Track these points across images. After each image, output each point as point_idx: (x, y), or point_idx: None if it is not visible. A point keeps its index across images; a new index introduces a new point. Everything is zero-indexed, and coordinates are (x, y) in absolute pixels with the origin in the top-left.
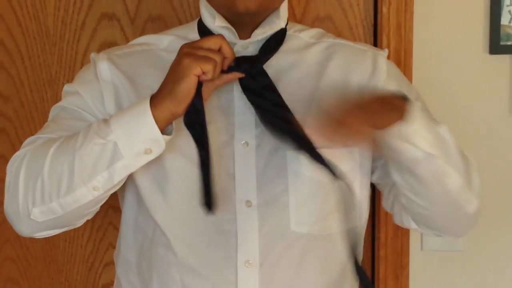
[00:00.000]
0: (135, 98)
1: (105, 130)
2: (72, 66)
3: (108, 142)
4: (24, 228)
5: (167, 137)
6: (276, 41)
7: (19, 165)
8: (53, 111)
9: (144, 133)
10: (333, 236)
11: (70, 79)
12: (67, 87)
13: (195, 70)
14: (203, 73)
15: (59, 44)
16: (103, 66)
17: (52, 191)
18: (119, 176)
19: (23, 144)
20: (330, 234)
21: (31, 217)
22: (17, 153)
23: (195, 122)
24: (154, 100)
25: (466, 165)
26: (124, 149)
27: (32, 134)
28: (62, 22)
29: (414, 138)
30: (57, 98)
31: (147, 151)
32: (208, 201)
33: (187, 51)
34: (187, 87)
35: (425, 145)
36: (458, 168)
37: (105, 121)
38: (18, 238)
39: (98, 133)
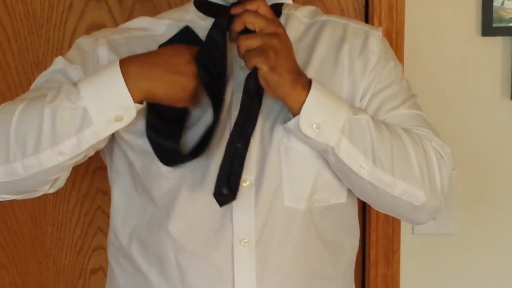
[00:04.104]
0: None
1: (75, 95)
2: (60, 48)
3: (78, 108)
4: None
5: (139, 106)
6: (275, 13)
7: None
8: (40, 78)
9: (115, 100)
10: (328, 208)
11: None
12: (60, 59)
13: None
14: None
15: (46, 26)
16: (103, 52)
17: (17, 150)
18: (88, 143)
19: None
20: (325, 207)
21: None
22: None
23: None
24: (137, 73)
25: (406, 157)
26: (95, 116)
27: None
28: (49, 4)
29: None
30: None
31: (118, 118)
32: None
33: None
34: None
35: (312, 133)
36: (384, 163)
37: (75, 84)
38: (6, 222)
39: (69, 97)
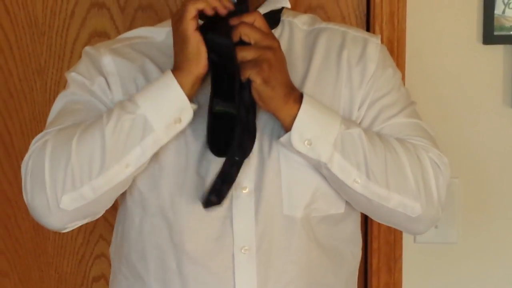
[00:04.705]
0: (143, 81)
1: (131, 107)
2: (62, 55)
3: (137, 116)
4: (53, 221)
5: (194, 106)
6: (273, 20)
7: (40, 155)
8: (61, 99)
9: (172, 102)
10: (326, 218)
11: (59, 69)
12: (75, 75)
13: (190, 15)
14: (201, 10)
15: (48, 33)
16: (107, 60)
17: (83, 174)
18: (151, 151)
19: (34, 141)
20: (323, 217)
21: (61, 206)
22: (32, 148)
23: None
24: (175, 71)
25: (400, 170)
26: (155, 121)
27: (20, 125)
28: (51, 11)
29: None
30: (46, 87)
31: (177, 120)
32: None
33: (176, 17)
34: (194, 43)
35: (304, 149)
36: (378, 176)
37: (129, 99)
38: (7, 229)
39: (126, 110)
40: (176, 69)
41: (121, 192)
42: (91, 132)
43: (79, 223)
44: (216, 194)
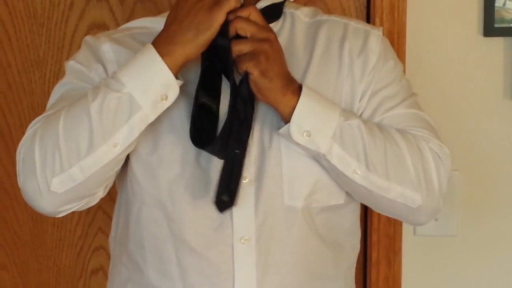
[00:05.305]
0: None
1: (116, 85)
2: (61, 47)
3: (123, 95)
4: (45, 205)
5: (180, 82)
6: (275, 12)
7: (32, 141)
8: (59, 88)
9: (157, 79)
10: (326, 209)
11: (58, 60)
12: (73, 64)
13: (227, 7)
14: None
15: (47, 24)
16: (106, 47)
17: (71, 155)
18: (139, 129)
19: (30, 126)
20: (322, 207)
21: (51, 189)
22: (26, 135)
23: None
24: (167, 46)
25: (400, 160)
26: (141, 99)
27: (19, 116)
28: (50, 2)
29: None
30: (45, 79)
31: (163, 97)
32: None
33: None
34: (212, 35)
35: (303, 140)
36: (377, 167)
37: (112, 76)
38: (6, 222)
39: (111, 88)
40: (171, 46)
41: (110, 173)
42: (77, 112)
43: (72, 207)
44: (227, 193)
